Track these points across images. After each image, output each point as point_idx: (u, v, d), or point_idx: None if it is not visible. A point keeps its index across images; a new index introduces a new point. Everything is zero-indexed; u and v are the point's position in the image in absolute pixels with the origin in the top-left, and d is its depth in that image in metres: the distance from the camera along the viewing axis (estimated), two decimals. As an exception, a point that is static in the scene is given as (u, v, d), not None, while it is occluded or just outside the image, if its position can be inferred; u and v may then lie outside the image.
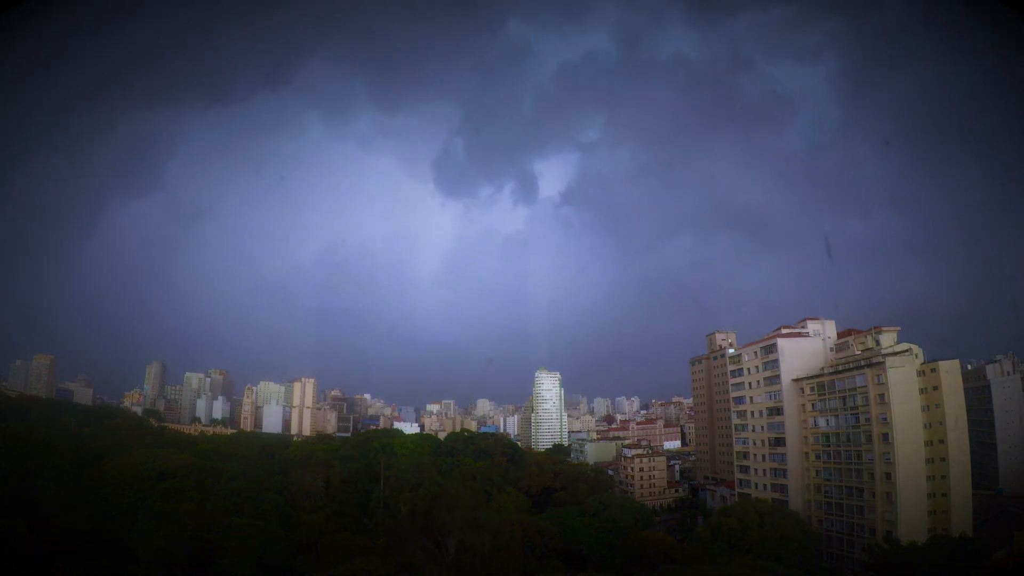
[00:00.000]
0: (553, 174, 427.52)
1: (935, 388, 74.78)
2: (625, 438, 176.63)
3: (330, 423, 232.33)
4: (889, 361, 75.46)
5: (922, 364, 77.50)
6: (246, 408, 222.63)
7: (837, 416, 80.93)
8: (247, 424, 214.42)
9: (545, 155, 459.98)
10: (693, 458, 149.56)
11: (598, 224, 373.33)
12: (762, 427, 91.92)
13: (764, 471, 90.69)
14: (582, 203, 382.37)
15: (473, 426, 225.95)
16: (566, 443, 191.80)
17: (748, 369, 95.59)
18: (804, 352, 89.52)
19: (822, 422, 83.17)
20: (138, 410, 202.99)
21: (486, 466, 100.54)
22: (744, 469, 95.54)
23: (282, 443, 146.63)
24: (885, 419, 74.14)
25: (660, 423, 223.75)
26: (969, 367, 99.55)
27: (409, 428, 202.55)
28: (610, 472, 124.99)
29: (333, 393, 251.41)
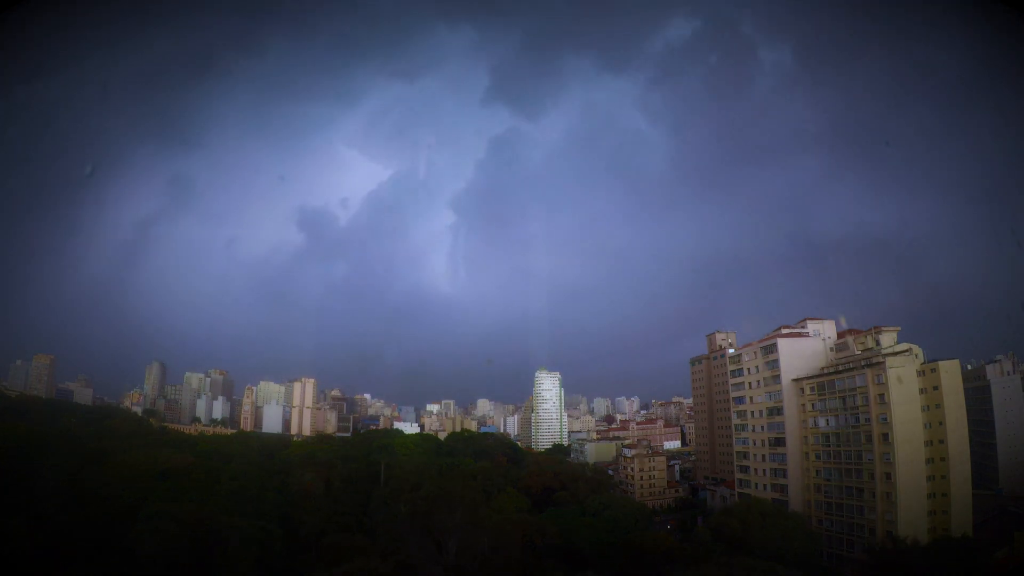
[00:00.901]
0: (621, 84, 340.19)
1: (935, 388, 74.81)
2: (625, 438, 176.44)
3: (330, 423, 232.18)
4: (889, 361, 75.49)
5: (922, 364, 77.54)
6: (246, 408, 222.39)
7: (837, 416, 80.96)
8: (247, 424, 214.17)
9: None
10: (693, 458, 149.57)
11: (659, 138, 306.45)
12: (762, 427, 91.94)
13: (764, 471, 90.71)
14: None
15: (473, 426, 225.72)
16: (566, 443, 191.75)
17: (748, 369, 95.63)
18: (804, 352, 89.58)
19: (822, 422, 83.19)
20: (138, 410, 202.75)
21: (486, 466, 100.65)
22: (744, 469, 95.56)
23: (282, 443, 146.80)
24: (885, 419, 74.16)
25: (660, 423, 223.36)
26: (969, 367, 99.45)
27: (409, 428, 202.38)
28: (610, 472, 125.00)
29: (333, 393, 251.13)
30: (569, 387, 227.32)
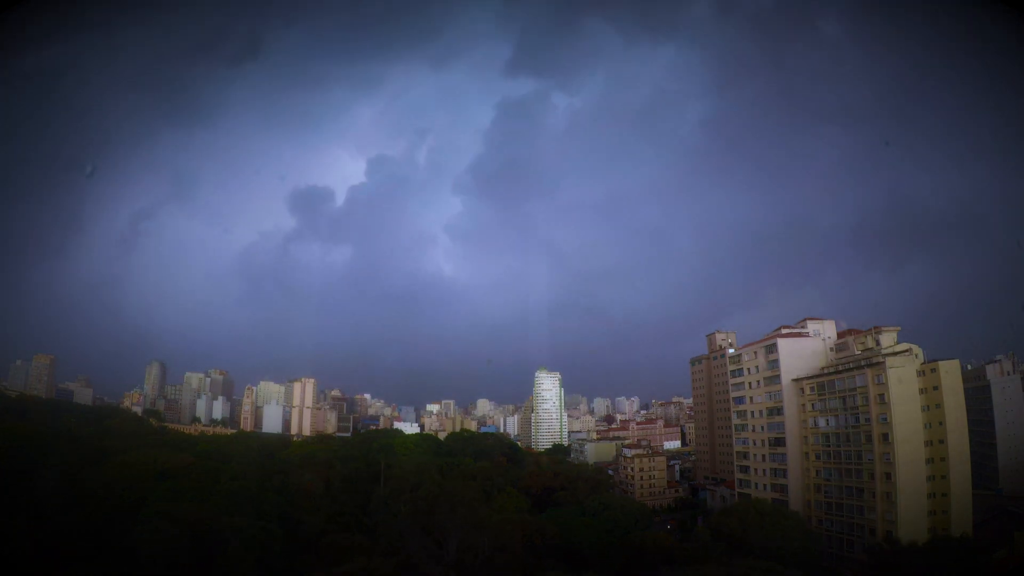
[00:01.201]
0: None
1: (935, 388, 74.80)
2: (625, 438, 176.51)
3: (330, 423, 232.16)
4: (889, 361, 75.48)
5: (922, 364, 77.53)
6: (246, 408, 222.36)
7: (837, 416, 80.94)
8: (247, 424, 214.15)
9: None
10: (693, 458, 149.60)
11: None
12: (762, 427, 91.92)
13: (764, 471, 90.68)
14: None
15: (473, 426, 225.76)
16: (566, 443, 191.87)
17: (748, 369, 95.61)
18: (804, 352, 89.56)
19: (822, 422, 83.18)
20: (138, 410, 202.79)
21: (486, 466, 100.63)
22: (744, 469, 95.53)
23: (282, 443, 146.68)
24: (885, 419, 74.15)
25: (660, 423, 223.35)
26: (969, 367, 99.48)
27: (409, 428, 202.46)
28: (610, 472, 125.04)
29: (333, 393, 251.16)
30: (569, 387, 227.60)
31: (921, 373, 76.46)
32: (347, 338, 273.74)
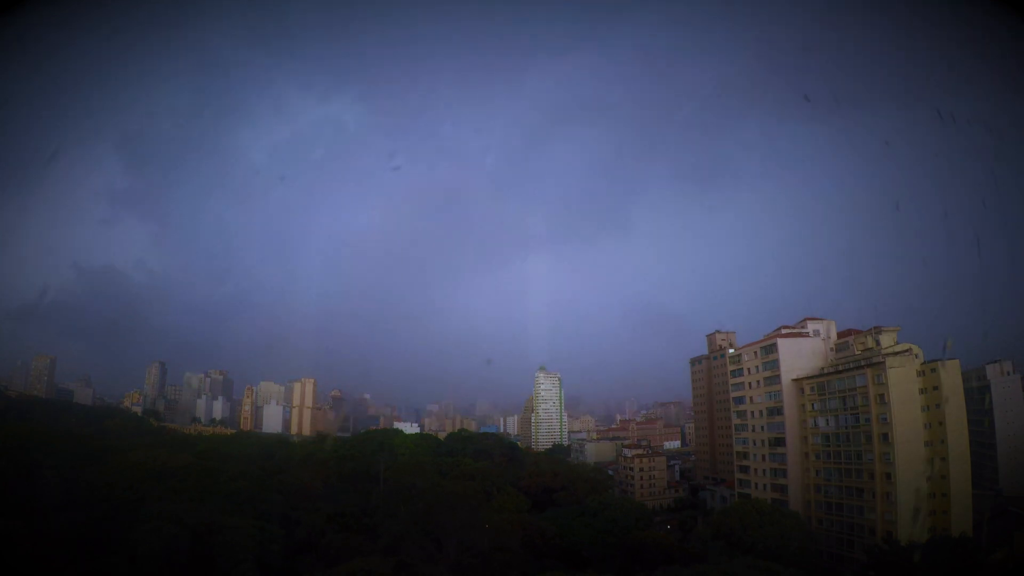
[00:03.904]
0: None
1: (935, 388, 74.78)
2: (625, 438, 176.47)
3: (330, 423, 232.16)
4: (889, 361, 75.48)
5: (922, 364, 77.48)
6: (246, 408, 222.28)
7: (837, 416, 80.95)
8: (247, 424, 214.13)
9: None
10: (693, 458, 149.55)
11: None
12: (762, 427, 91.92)
13: (764, 471, 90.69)
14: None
15: (473, 426, 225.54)
16: (566, 443, 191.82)
17: (748, 369, 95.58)
18: (804, 352, 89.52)
19: (822, 422, 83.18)
20: (138, 410, 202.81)
21: (486, 466, 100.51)
22: (744, 469, 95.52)
23: (282, 443, 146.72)
24: (885, 419, 74.17)
25: (660, 423, 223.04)
26: (969, 367, 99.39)
27: (409, 428, 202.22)
28: (610, 472, 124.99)
29: (333, 393, 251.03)
30: (569, 387, 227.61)
31: (921, 373, 76.43)
32: (347, 338, 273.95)
